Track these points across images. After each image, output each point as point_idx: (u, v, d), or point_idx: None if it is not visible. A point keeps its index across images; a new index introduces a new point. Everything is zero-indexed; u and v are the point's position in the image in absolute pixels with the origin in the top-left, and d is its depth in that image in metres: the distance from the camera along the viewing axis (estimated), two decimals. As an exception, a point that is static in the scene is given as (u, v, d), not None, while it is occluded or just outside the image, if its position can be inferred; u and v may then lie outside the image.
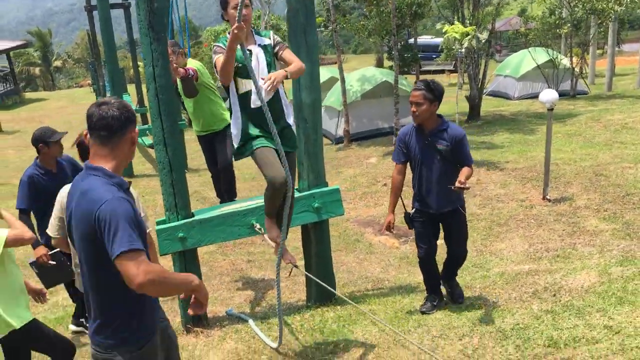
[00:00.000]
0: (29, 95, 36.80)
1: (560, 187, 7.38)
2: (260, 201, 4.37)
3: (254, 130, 3.62)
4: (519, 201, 7.21)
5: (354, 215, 7.83)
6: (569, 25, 15.92)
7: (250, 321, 4.45)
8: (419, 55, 27.83)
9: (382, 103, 12.96)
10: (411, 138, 4.14)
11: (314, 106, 4.43)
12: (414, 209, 4.29)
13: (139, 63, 20.84)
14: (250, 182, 9.92)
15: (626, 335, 3.53)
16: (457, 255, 4.36)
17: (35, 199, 4.36)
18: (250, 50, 3.55)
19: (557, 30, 16.69)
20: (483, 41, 10.35)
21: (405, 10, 16.74)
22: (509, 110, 15.39)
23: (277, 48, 3.68)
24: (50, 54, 56.12)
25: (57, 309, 5.43)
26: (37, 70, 51.85)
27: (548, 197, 6.98)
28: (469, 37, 8.69)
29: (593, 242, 5.40)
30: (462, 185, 3.69)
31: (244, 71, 3.47)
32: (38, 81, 53.08)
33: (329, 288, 4.26)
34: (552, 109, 6.96)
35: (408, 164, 4.22)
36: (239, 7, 3.13)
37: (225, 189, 5.62)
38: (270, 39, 3.70)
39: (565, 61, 16.91)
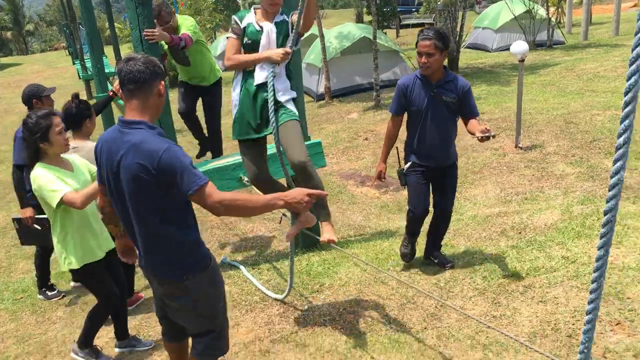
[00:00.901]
0: (3, 60, 36.14)
1: (532, 135, 7.74)
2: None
3: (248, 115, 3.48)
4: (493, 150, 7.56)
5: (337, 169, 8.15)
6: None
7: (243, 269, 4.80)
8: (398, 9, 27.82)
9: (361, 59, 13.11)
10: (413, 89, 3.92)
11: (294, 66, 4.66)
12: (409, 163, 4.10)
13: (116, 24, 20.59)
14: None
15: (581, 264, 3.94)
16: (447, 213, 4.20)
17: None
18: (262, 27, 3.41)
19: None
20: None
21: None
22: (487, 63, 15.64)
23: (292, 16, 3.46)
24: (22, 17, 54.74)
25: (55, 265, 5.73)
26: (9, 34, 50.69)
27: (520, 145, 7.35)
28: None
29: (559, 185, 5.79)
30: (487, 133, 3.43)
31: (253, 48, 3.40)
32: (11, 45, 51.95)
33: (314, 235, 4.60)
34: (522, 60, 7.25)
35: (407, 117, 4.04)
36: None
37: (213, 149, 5.79)
38: (289, 17, 3.48)
39: (542, 11, 17.11)
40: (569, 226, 4.59)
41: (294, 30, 3.36)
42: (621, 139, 1.44)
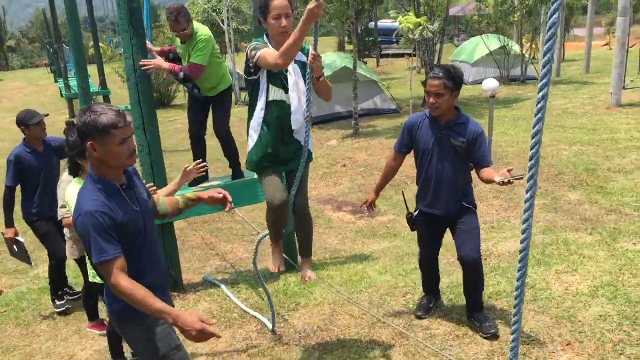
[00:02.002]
0: (-17, 75, 35.96)
1: (502, 167, 8.10)
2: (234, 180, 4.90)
3: (267, 153, 3.38)
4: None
5: (315, 194, 8.42)
6: (518, 13, 16.74)
7: (224, 287, 5.01)
8: (380, 39, 28.53)
9: (341, 88, 13.49)
10: (421, 129, 3.70)
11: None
12: (417, 211, 3.89)
13: (100, 43, 20.81)
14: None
15: (538, 289, 4.24)
16: (469, 261, 3.65)
17: (22, 176, 4.70)
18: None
19: (509, 18, 17.52)
20: (434, 30, 10.99)
21: (364, -4, 17.30)
22: (463, 95, 16.16)
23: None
24: (4, 32, 54.61)
25: (38, 280, 5.86)
26: (-11, 49, 50.51)
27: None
28: (421, 27, 9.30)
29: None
30: (508, 177, 3.22)
31: (277, 79, 3.30)
32: (-9, 60, 51.72)
33: (289, 260, 4.86)
34: (493, 96, 7.68)
35: (414, 158, 3.83)
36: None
37: (228, 156, 5.30)
38: (305, 54, 3.34)
39: (516, 47, 17.79)
40: (530, 254, 4.90)
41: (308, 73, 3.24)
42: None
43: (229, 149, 5.26)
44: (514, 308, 1.77)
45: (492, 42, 17.51)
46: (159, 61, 4.73)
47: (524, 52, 17.60)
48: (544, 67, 1.59)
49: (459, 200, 3.71)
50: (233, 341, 3.99)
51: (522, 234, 1.82)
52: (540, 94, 1.62)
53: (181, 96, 19.68)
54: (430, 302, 4.13)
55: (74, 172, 3.64)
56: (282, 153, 3.40)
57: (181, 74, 4.72)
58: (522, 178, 2.86)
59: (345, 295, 4.60)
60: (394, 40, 32.84)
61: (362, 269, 5.24)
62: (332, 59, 14.12)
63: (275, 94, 3.32)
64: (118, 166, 2.36)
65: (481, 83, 17.70)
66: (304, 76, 3.32)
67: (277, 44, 3.19)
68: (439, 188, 3.69)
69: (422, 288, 4.24)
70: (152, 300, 2.22)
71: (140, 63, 4.49)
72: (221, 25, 19.00)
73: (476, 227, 3.72)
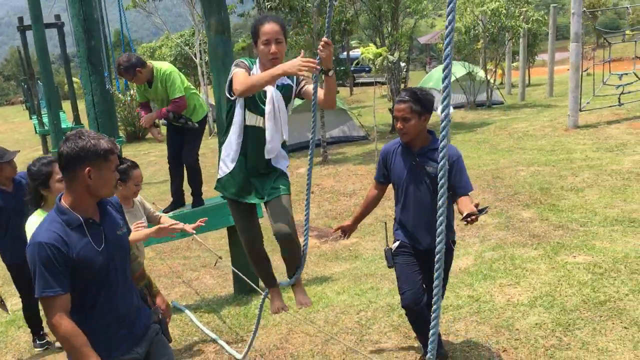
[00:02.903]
0: (-42, 113, 35.83)
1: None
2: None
3: (241, 182, 3.25)
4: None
5: (282, 220, 8.63)
6: (481, 41, 17.37)
7: (188, 312, 5.18)
8: (352, 69, 29.16)
9: (308, 116, 13.84)
10: (394, 157, 3.49)
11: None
12: (397, 242, 3.59)
13: (74, 79, 21.00)
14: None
15: (483, 302, 4.48)
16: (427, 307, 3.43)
17: None
18: (265, 92, 3.12)
19: (474, 46, 18.15)
20: (394, 60, 11.43)
21: (335, 27, 17.80)
22: (431, 121, 16.42)
23: (302, 84, 3.21)
24: (-21, 70, 54.51)
25: (5, 314, 5.95)
26: (-35, 87, 50.33)
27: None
28: (381, 57, 9.69)
29: (478, 234, 6.41)
30: (473, 216, 2.97)
31: (254, 105, 3.13)
32: (-34, 99, 51.49)
33: (250, 282, 5.05)
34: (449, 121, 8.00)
35: (393, 188, 3.61)
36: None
37: (191, 184, 5.48)
38: (293, 81, 3.21)
39: (481, 74, 18.38)
40: (478, 270, 5.17)
41: (296, 96, 3.21)
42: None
43: (194, 178, 5.48)
44: (433, 313, 1.99)
45: (457, 69, 18.05)
46: (148, 116, 5.09)
47: (489, 78, 18.17)
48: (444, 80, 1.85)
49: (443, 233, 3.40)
50: (191, 362, 4.16)
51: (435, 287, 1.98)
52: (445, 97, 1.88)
53: (156, 129, 19.88)
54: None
55: (36, 203, 3.68)
56: (258, 184, 3.24)
57: (170, 114, 5.00)
58: (487, 212, 2.82)
59: (302, 315, 4.79)
60: (367, 68, 33.72)
61: (321, 290, 5.44)
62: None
63: (250, 119, 3.15)
64: (106, 195, 2.30)
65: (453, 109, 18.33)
66: (287, 101, 3.16)
67: (264, 69, 3.04)
68: (417, 219, 3.43)
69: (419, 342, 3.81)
70: (87, 352, 2.15)
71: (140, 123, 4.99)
72: (194, 59, 19.33)
73: (446, 274, 3.63)
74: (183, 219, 5.09)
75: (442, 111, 1.86)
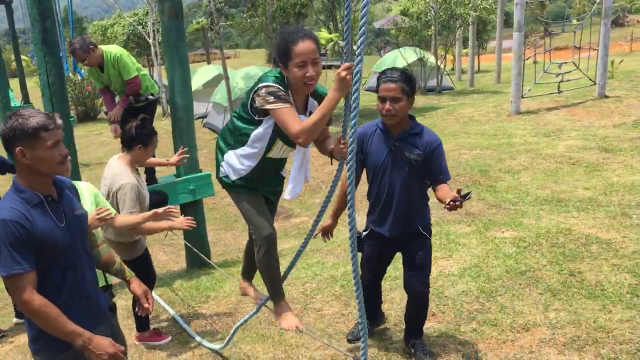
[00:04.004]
0: None
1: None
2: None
3: (253, 183, 3.05)
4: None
5: (235, 200, 8.88)
6: (432, 28, 17.86)
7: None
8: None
9: (265, 99, 14.07)
10: (372, 141, 3.32)
11: (187, 107, 5.44)
12: (366, 230, 3.56)
13: (23, 57, 20.50)
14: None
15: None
16: (414, 295, 3.48)
17: None
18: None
19: (425, 32, 18.62)
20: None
21: (289, 10, 17.94)
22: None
23: None
24: None
25: None
26: None
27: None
28: (333, 42, 9.97)
29: (419, 212, 6.82)
30: (457, 202, 2.74)
31: (284, 135, 2.79)
32: None
33: (202, 256, 5.31)
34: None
35: (366, 172, 3.45)
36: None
37: (145, 170, 5.60)
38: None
39: (432, 59, 18.90)
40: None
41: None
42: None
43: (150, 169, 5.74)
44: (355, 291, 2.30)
45: (409, 54, 18.53)
46: (117, 110, 5.37)
47: (439, 64, 18.70)
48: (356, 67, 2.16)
49: (413, 221, 3.36)
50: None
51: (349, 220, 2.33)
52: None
53: (108, 109, 19.66)
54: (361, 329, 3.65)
55: None
56: (268, 185, 3.10)
57: (131, 98, 5.30)
58: (470, 197, 2.74)
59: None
60: (322, 53, 34.03)
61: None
62: (256, 72, 14.64)
63: (279, 151, 2.92)
64: (49, 173, 2.23)
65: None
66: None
67: (297, 94, 2.76)
68: (391, 206, 3.33)
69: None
70: (64, 321, 2.15)
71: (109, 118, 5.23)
72: (147, 39, 19.15)
73: (429, 259, 3.46)
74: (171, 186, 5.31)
75: (352, 101, 2.17)
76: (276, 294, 3.16)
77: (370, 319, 3.76)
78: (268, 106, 2.68)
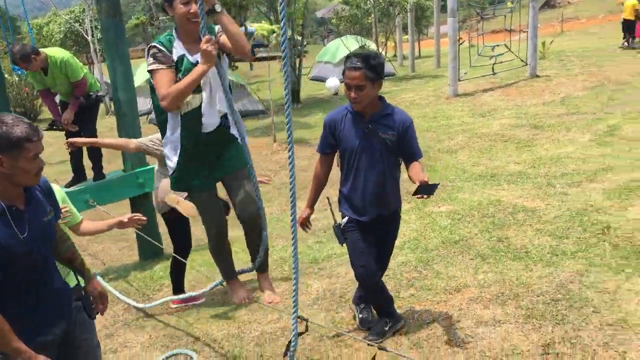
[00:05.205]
0: None
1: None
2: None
3: (194, 169, 3.13)
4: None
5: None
6: (372, 16, 18.25)
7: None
8: (253, 44, 29.34)
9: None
10: (344, 125, 3.29)
11: (130, 102, 5.56)
12: (345, 218, 3.47)
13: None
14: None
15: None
16: (382, 268, 3.63)
17: None
18: (197, 62, 2.91)
19: (365, 20, 19.00)
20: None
21: (229, 2, 17.94)
22: (326, 94, 17.35)
23: (219, 38, 2.97)
24: None
25: None
26: None
27: (338, 164, 8.74)
28: (275, 34, 10.16)
29: (363, 194, 7.15)
30: (427, 190, 2.87)
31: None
32: None
33: (156, 243, 5.48)
34: (336, 94, 8.69)
35: (339, 158, 3.44)
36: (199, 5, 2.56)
37: (92, 159, 5.82)
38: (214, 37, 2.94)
39: (373, 47, 19.29)
40: (359, 223, 5.88)
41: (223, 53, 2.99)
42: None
43: (94, 153, 5.88)
44: (293, 267, 2.54)
45: (350, 42, 18.86)
46: (68, 115, 5.46)
47: (380, 50, 19.12)
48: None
49: (390, 203, 3.41)
50: (102, 319, 4.55)
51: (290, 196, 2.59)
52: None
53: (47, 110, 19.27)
54: (386, 326, 3.56)
55: None
56: (209, 163, 3.12)
57: (81, 99, 5.42)
58: (437, 187, 2.86)
59: (205, 273, 5.29)
60: (266, 44, 34.02)
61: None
62: (199, 65, 14.68)
63: (191, 103, 2.94)
64: (24, 184, 2.19)
65: (342, 82, 19.18)
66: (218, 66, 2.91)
67: (187, 36, 2.80)
68: (369, 191, 3.31)
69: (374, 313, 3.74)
70: (11, 338, 2.12)
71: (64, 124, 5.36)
72: (85, 36, 18.81)
73: (395, 238, 3.63)
74: (85, 193, 5.42)
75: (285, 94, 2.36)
76: (227, 275, 3.40)
77: (387, 315, 3.58)
78: (148, 68, 2.84)
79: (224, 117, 3.15)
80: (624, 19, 16.54)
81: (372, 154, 3.24)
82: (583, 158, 7.16)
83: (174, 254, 4.50)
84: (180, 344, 3.95)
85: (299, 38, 17.16)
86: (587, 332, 3.21)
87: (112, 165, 7.46)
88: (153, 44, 2.90)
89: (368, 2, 18.88)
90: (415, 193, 2.90)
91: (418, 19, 23.45)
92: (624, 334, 3.12)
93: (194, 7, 2.74)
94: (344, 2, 20.23)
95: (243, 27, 29.49)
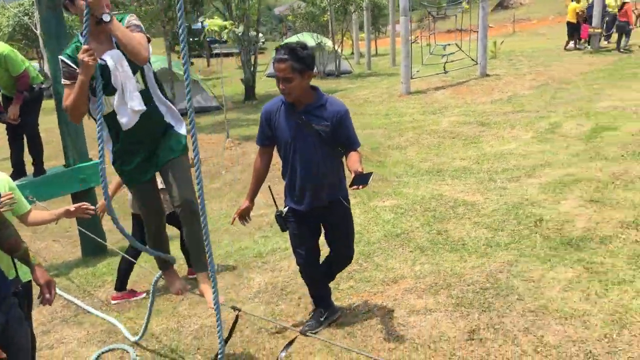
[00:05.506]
0: None
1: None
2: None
3: (130, 161, 3.06)
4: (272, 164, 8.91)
5: (135, 189, 8.91)
6: (328, 13, 18.35)
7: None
8: (209, 39, 29.09)
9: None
10: (279, 117, 3.29)
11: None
12: (286, 207, 3.51)
13: None
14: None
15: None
16: (343, 257, 3.66)
17: None
18: (104, 61, 2.77)
19: (320, 18, 19.09)
20: (240, 33, 11.93)
21: (185, -2, 17.72)
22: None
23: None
24: None
25: None
26: None
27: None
28: (227, 30, 10.13)
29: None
30: (361, 180, 2.88)
31: (105, 87, 2.77)
32: None
33: (99, 240, 5.41)
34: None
35: (277, 150, 3.44)
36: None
37: (32, 154, 5.71)
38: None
39: (330, 44, 19.41)
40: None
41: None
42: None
43: (35, 148, 5.78)
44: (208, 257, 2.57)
45: (307, 40, 18.92)
46: (14, 109, 5.36)
47: (337, 48, 19.25)
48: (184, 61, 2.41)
49: (331, 192, 3.39)
50: (40, 316, 4.48)
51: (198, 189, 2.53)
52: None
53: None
54: (321, 317, 3.66)
55: None
56: (144, 157, 3.05)
57: (25, 93, 5.34)
58: (372, 178, 2.88)
59: (146, 268, 5.27)
60: (223, 40, 33.81)
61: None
62: (152, 60, 14.46)
63: (111, 103, 2.86)
64: None
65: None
66: (134, 69, 2.85)
67: (91, 36, 2.65)
68: (306, 181, 3.32)
69: (311, 300, 3.83)
70: None
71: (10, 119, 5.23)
72: (34, 30, 18.33)
73: (351, 226, 3.61)
74: (24, 188, 5.30)
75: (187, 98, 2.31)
76: (164, 265, 3.41)
77: (323, 306, 3.69)
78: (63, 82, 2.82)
79: (155, 109, 3.07)
80: (568, 22, 17.08)
81: (307, 145, 3.25)
82: (524, 154, 7.41)
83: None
84: (118, 339, 3.94)
85: (259, 35, 17.14)
86: (510, 318, 3.35)
87: (55, 161, 7.35)
88: (60, 57, 2.82)
89: (324, 0, 18.97)
90: (351, 185, 2.91)
91: (375, 18, 23.68)
92: (543, 319, 3.27)
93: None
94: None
95: (199, 24, 29.25)
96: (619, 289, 3.52)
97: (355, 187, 2.87)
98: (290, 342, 2.98)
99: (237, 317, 3.05)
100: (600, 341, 3.02)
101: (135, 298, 4.68)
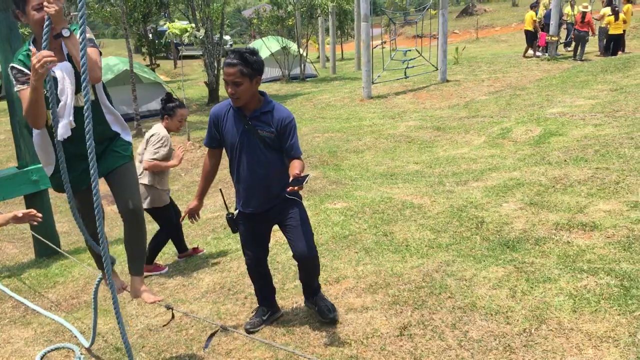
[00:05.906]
0: None
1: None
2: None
3: (74, 169, 3.05)
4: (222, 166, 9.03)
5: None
6: (293, 17, 18.51)
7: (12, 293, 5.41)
8: (176, 42, 29.00)
9: (125, 90, 13.92)
10: (227, 120, 3.36)
11: (25, 99, 5.49)
12: (237, 210, 3.59)
13: None
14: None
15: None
16: (304, 258, 3.50)
17: None
18: (54, 72, 2.75)
19: (286, 22, 19.24)
20: (201, 37, 11.99)
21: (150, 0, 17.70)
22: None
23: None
24: None
25: None
26: None
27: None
28: (188, 33, 10.19)
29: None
30: (297, 182, 2.96)
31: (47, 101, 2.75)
32: None
33: (51, 245, 5.44)
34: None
35: (225, 152, 3.50)
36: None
37: None
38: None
39: (294, 48, 19.57)
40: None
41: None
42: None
43: None
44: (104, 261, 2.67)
45: (272, 44, 19.06)
46: None
47: (302, 52, 19.42)
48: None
49: (278, 195, 3.43)
50: (-12, 317, 4.53)
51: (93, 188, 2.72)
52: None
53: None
54: (264, 315, 3.80)
55: None
56: (83, 165, 2.99)
57: None
58: (308, 180, 2.94)
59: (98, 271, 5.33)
60: (190, 43, 33.72)
61: (121, 248, 5.98)
62: (115, 62, 14.41)
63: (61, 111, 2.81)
64: None
65: (266, 82, 19.33)
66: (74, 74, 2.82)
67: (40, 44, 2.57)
68: (253, 184, 3.39)
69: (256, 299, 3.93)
70: None
71: None
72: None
73: (306, 220, 3.53)
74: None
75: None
76: (103, 270, 3.39)
77: (267, 305, 3.83)
78: (15, 89, 2.82)
79: (102, 119, 3.12)
80: (525, 30, 17.58)
81: (253, 149, 3.31)
82: (474, 158, 7.68)
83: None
84: (65, 339, 4.01)
85: (227, 37, 17.19)
86: (440, 315, 3.54)
87: (8, 163, 7.33)
88: (12, 64, 2.80)
89: (290, 4, 19.12)
90: (287, 186, 3.00)
91: (342, 22, 23.97)
92: (470, 316, 3.47)
93: (50, 9, 2.58)
94: (271, 2, 20.38)
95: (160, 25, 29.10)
96: (543, 286, 3.74)
97: (290, 187, 2.95)
98: (212, 335, 3.13)
99: (172, 315, 3.16)
100: (519, 335, 3.22)
101: (160, 272, 5.12)
